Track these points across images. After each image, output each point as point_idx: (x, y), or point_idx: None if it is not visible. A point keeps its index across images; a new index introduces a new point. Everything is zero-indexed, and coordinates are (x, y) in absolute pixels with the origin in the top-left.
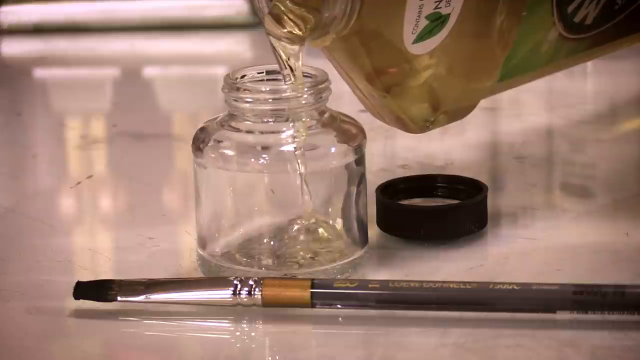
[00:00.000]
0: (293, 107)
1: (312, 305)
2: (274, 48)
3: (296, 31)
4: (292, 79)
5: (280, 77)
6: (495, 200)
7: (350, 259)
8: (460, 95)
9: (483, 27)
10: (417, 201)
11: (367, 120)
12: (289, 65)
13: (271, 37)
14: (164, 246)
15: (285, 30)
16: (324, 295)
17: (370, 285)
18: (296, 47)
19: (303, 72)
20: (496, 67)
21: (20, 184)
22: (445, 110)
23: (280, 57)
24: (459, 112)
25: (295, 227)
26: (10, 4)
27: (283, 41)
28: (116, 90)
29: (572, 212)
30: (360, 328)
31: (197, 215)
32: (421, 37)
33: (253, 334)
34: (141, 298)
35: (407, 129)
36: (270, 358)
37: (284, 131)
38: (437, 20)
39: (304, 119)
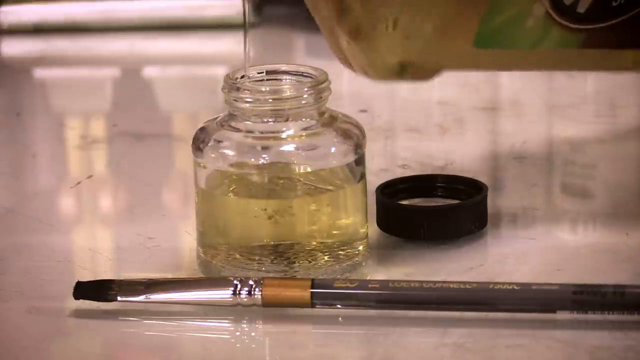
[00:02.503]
0: (293, 107)
1: (312, 305)
2: None
3: None
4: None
5: (280, 77)
6: (495, 200)
7: (350, 258)
8: (430, 49)
9: None
10: (417, 201)
11: (367, 120)
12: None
13: None
14: (164, 246)
15: None
16: (324, 295)
17: (370, 285)
18: None
19: (303, 72)
20: (471, 25)
21: (20, 184)
22: (412, 62)
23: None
24: (426, 71)
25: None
26: (10, 4)
27: None
28: (116, 90)
29: (572, 212)
30: (360, 328)
31: (197, 215)
32: None
33: (253, 334)
34: (141, 298)
35: (370, 77)
36: (270, 358)
37: (284, 131)
38: None
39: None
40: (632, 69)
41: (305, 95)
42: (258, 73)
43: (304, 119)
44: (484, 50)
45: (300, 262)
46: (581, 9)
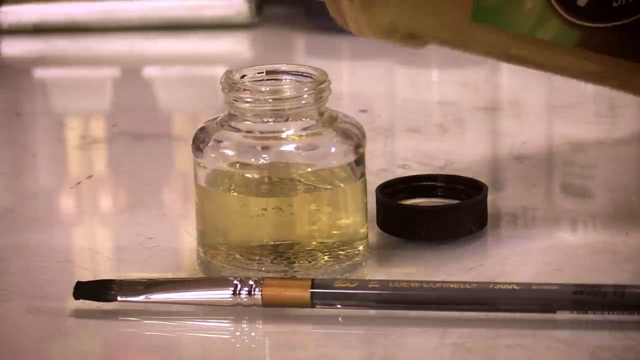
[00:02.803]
0: (293, 107)
1: (312, 305)
2: None
3: None
4: None
5: (280, 77)
6: (495, 200)
7: (350, 258)
8: (426, 17)
9: None
10: (417, 201)
11: (367, 120)
12: None
13: None
14: (164, 246)
15: None
16: (324, 295)
17: (370, 285)
18: None
19: (303, 72)
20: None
21: (20, 184)
22: (399, 28)
23: None
24: (416, 40)
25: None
26: (10, 4)
27: None
28: (116, 90)
29: (572, 212)
30: (360, 328)
31: (197, 215)
32: None
33: (253, 334)
34: (141, 298)
35: (366, 36)
36: (270, 358)
37: (284, 131)
38: None
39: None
40: (623, 85)
41: (305, 95)
42: (258, 73)
43: (304, 119)
44: (479, 29)
45: (300, 262)
46: (581, 2)
